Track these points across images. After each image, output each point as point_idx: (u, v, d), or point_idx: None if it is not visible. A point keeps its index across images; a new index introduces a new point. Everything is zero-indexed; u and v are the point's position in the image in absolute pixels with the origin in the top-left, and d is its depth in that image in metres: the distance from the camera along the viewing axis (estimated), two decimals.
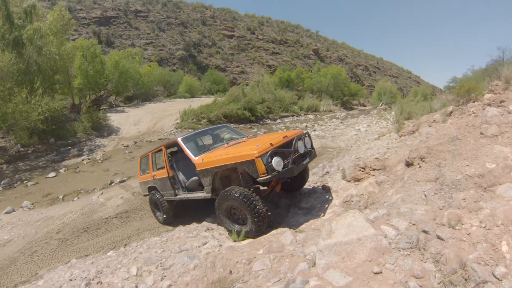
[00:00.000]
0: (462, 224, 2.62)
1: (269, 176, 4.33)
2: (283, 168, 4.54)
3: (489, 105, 6.82)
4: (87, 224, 7.22)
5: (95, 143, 16.03)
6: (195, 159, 5.43)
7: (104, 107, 23.99)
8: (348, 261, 2.50)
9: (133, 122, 19.38)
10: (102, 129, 17.86)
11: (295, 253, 2.93)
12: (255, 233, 4.45)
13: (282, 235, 3.75)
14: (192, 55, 46.86)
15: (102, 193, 9.22)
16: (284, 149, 4.86)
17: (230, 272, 2.95)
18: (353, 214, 2.87)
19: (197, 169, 5.30)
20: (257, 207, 4.39)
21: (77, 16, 40.51)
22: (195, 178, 6.02)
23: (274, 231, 4.28)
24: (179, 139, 6.01)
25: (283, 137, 5.08)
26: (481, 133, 4.14)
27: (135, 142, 15.93)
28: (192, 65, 44.92)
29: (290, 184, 6.32)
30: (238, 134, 7.06)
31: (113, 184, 10.18)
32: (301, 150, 5.16)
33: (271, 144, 4.65)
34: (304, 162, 5.15)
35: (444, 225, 2.67)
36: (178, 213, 6.98)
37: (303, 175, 6.36)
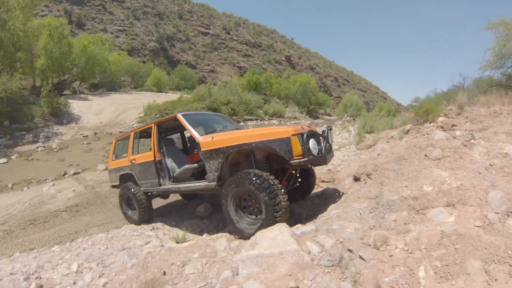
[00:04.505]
0: (388, 245, 2.66)
1: (305, 159, 3.84)
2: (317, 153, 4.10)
3: (442, 127, 7.16)
4: (34, 216, 7.01)
5: (52, 130, 15.35)
6: (200, 138, 4.72)
7: (67, 92, 23.04)
8: (268, 273, 2.55)
9: (96, 112, 18.76)
10: (62, 116, 17.12)
11: (226, 259, 3.06)
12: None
13: (217, 241, 3.83)
14: (164, 48, 45.89)
15: (53, 184, 8.96)
16: (318, 133, 4.52)
17: (164, 273, 3.05)
18: (279, 228, 2.96)
19: (202, 150, 4.55)
20: (278, 196, 3.69)
21: None
22: (189, 166, 5.32)
23: (214, 236, 4.40)
24: (179, 114, 5.28)
25: (308, 126, 4.63)
26: (426, 155, 4.19)
27: (95, 133, 15.45)
28: (163, 58, 43.92)
29: (296, 189, 5.59)
30: (240, 126, 6.29)
31: (66, 176, 9.88)
32: (331, 140, 4.84)
33: (302, 127, 4.15)
34: (329, 156, 4.69)
35: (369, 245, 2.72)
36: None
37: (310, 180, 5.68)
